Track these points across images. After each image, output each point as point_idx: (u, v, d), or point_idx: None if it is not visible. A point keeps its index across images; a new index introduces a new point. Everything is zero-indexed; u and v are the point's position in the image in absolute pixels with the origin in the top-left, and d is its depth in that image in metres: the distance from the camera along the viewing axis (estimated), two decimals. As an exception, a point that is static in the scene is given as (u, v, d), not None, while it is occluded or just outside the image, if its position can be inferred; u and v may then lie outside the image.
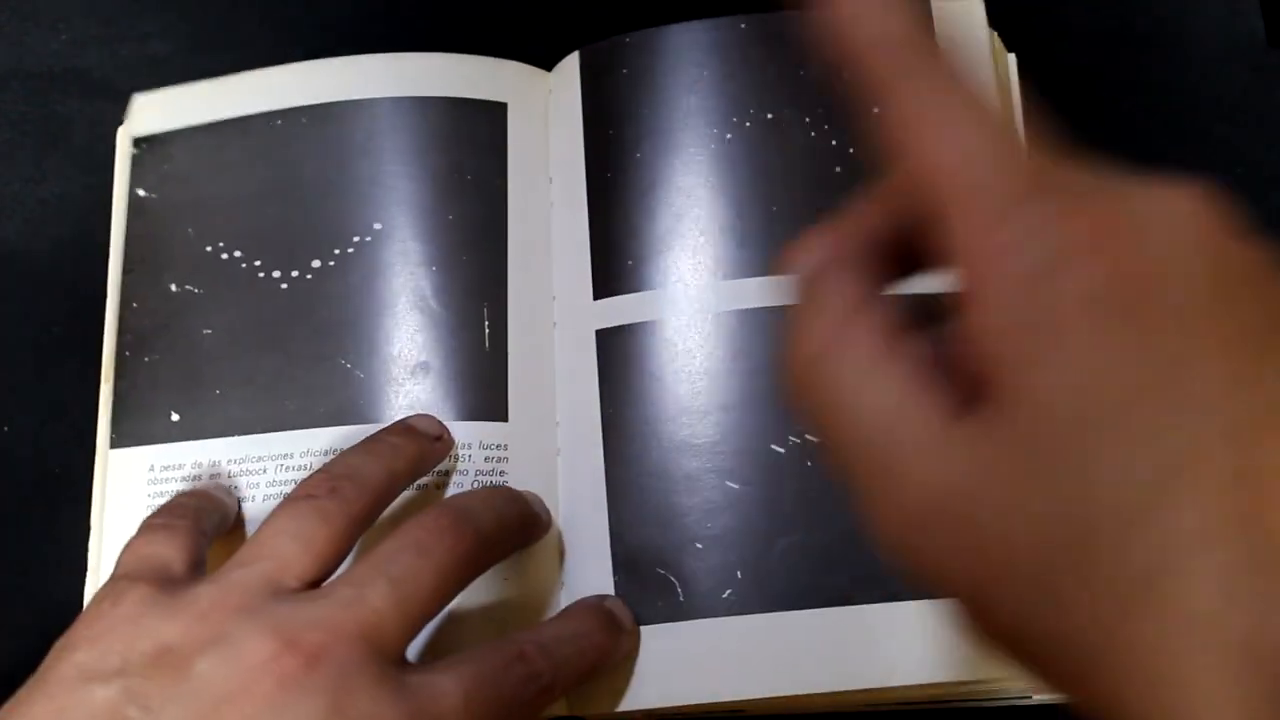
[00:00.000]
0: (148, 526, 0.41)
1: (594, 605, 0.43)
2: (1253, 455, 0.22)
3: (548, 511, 0.45)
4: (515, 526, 0.43)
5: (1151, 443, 0.23)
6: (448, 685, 0.36)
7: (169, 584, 0.37)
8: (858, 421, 0.26)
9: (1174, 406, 0.23)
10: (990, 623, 0.25)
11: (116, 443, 0.48)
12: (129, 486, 0.47)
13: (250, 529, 0.45)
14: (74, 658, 0.35)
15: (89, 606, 0.37)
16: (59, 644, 0.36)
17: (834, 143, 0.48)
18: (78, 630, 0.36)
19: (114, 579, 0.38)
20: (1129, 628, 0.22)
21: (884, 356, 0.26)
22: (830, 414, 0.27)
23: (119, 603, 0.36)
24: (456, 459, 0.45)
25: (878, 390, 0.26)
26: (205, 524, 0.42)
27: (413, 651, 0.38)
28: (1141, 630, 0.22)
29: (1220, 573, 0.22)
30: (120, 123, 0.52)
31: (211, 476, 0.46)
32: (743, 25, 0.49)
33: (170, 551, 0.39)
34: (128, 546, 0.40)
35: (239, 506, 0.46)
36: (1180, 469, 0.22)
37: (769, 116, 0.48)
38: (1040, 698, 0.43)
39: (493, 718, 0.36)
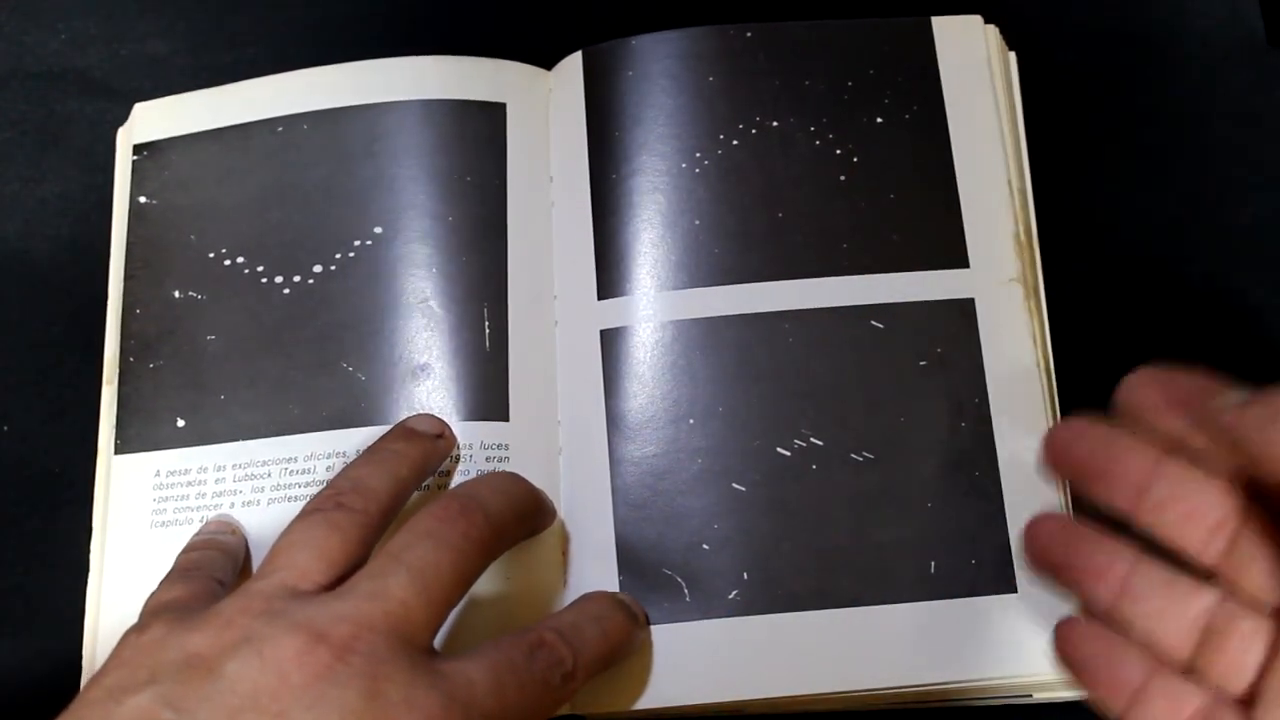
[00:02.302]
0: (165, 580, 0.41)
1: (608, 593, 0.43)
2: None
3: (552, 503, 0.46)
4: (524, 508, 0.43)
5: None
6: (476, 672, 0.36)
7: (192, 612, 0.37)
8: None
9: None
10: None
11: (121, 448, 0.48)
12: (135, 492, 0.47)
13: (255, 534, 0.46)
14: (103, 682, 0.35)
15: (115, 645, 0.37)
16: (88, 680, 0.36)
17: (838, 151, 0.48)
18: (106, 663, 0.36)
19: (138, 620, 0.38)
20: None
21: None
22: None
23: (143, 632, 0.36)
24: (457, 459, 0.45)
25: None
26: (218, 574, 0.42)
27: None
28: None
29: None
30: (120, 122, 0.52)
31: (214, 521, 0.46)
32: (749, 34, 0.50)
33: (188, 596, 0.40)
34: (148, 600, 0.40)
35: (246, 545, 0.46)
36: None
37: (774, 124, 0.49)
38: (1041, 697, 0.44)
39: (520, 704, 0.37)
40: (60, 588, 0.47)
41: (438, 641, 0.43)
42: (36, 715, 0.35)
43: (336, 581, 0.38)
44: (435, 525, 0.38)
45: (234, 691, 0.34)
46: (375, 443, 0.44)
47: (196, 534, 0.46)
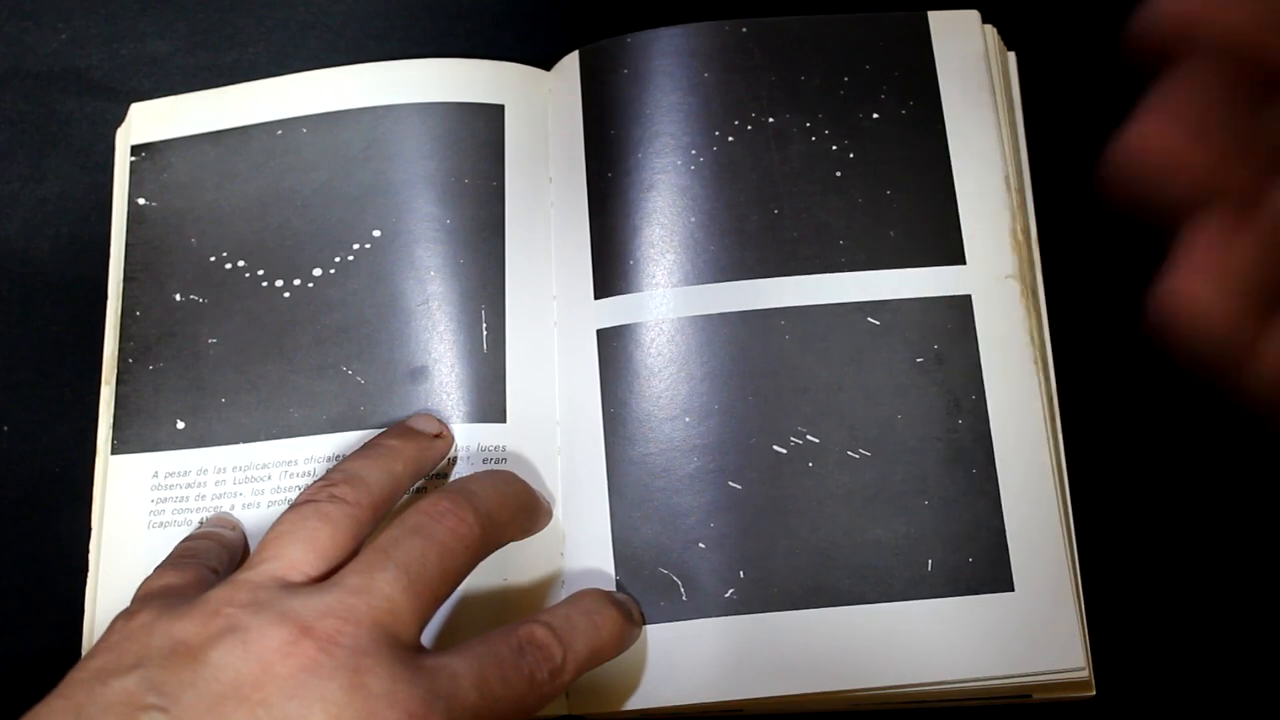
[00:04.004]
0: (158, 568, 0.42)
1: (600, 589, 0.43)
2: None
3: (550, 503, 0.46)
4: (517, 506, 0.43)
5: None
6: (461, 667, 0.36)
7: (182, 599, 0.38)
8: None
9: None
10: None
11: (119, 449, 0.48)
12: (132, 492, 0.47)
13: (255, 534, 0.46)
14: (90, 664, 0.36)
15: (106, 629, 0.38)
16: (78, 663, 0.37)
17: (834, 147, 0.48)
18: (95, 646, 0.37)
19: (129, 605, 0.39)
20: None
21: None
22: None
23: (133, 618, 0.37)
24: (455, 461, 0.46)
25: None
26: (213, 563, 0.43)
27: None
28: None
29: None
30: (120, 122, 0.53)
31: (215, 516, 0.47)
32: (744, 29, 0.50)
33: (180, 582, 0.40)
34: (141, 585, 0.41)
35: (245, 541, 0.46)
36: None
37: (769, 120, 0.49)
38: (1040, 697, 0.43)
39: (507, 698, 0.37)
40: (60, 588, 0.48)
41: (435, 639, 0.43)
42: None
43: (326, 573, 0.38)
44: (424, 521, 0.39)
45: (217, 679, 0.34)
46: (373, 438, 0.44)
47: (197, 527, 0.46)
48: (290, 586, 0.37)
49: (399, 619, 0.36)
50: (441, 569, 0.38)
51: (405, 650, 0.36)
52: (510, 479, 0.44)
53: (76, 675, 0.35)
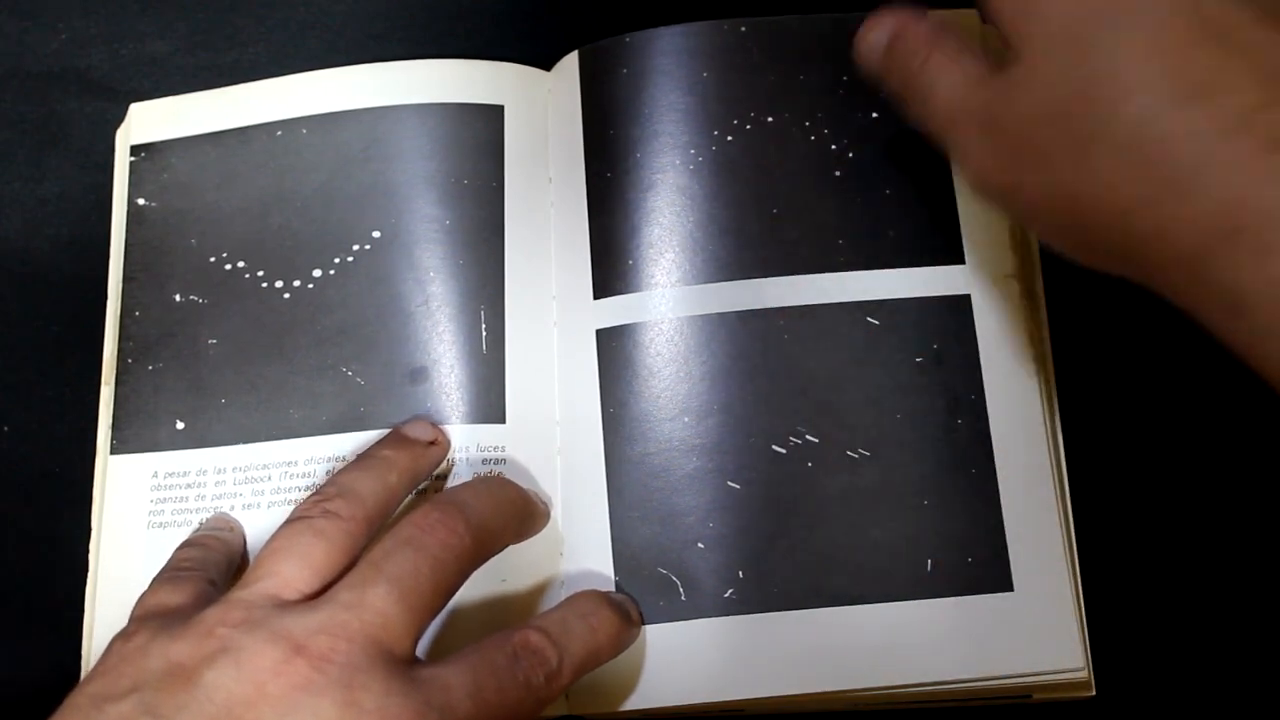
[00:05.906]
0: (155, 581, 0.42)
1: (597, 591, 0.43)
2: None
3: (546, 505, 0.45)
4: (511, 514, 0.43)
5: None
6: (455, 677, 0.36)
7: (178, 620, 0.38)
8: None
9: None
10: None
11: (118, 449, 0.48)
12: (132, 493, 0.47)
13: (255, 536, 0.46)
14: (87, 689, 0.36)
15: (103, 652, 0.38)
16: (76, 687, 0.37)
17: (833, 146, 0.48)
18: (92, 669, 0.37)
19: (126, 625, 0.39)
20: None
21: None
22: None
23: (129, 640, 0.37)
24: (453, 463, 0.46)
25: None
26: (211, 573, 0.43)
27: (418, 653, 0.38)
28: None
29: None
30: (120, 122, 0.53)
31: (214, 518, 0.47)
32: (743, 28, 0.50)
33: (178, 598, 0.40)
34: (138, 601, 0.41)
35: (244, 543, 0.46)
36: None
37: (769, 119, 0.48)
38: (1041, 697, 0.43)
39: (503, 705, 0.37)
40: (60, 588, 0.48)
41: (434, 645, 0.43)
42: (35, 715, 0.36)
43: (321, 589, 0.38)
44: (415, 533, 0.39)
45: (211, 700, 0.34)
46: (368, 449, 0.44)
47: (195, 529, 0.46)
48: (284, 604, 0.37)
49: (392, 633, 0.36)
50: (434, 581, 0.38)
51: (399, 664, 0.36)
52: (503, 485, 0.44)
53: (74, 700, 0.35)
